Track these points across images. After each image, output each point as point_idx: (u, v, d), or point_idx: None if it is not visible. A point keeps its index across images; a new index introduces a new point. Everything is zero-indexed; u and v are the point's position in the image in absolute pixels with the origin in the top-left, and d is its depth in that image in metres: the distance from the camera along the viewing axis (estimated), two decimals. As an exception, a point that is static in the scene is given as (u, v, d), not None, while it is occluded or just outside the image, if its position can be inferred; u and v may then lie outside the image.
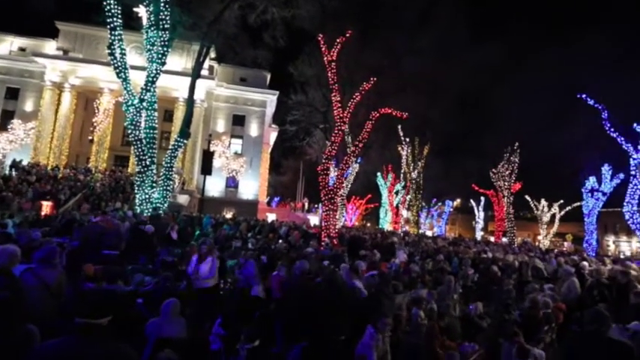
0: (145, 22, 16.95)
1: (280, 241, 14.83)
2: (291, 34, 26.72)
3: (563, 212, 39.40)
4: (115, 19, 15.76)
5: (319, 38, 16.55)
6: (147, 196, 16.84)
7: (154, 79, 16.86)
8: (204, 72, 31.98)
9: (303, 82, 36.66)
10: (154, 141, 17.47)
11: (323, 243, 14.47)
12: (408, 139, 35.05)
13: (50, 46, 35.68)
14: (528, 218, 55.75)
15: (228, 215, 27.97)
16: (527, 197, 39.94)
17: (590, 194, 25.98)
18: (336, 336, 4.27)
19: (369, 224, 53.71)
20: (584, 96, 19.87)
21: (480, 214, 48.08)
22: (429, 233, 45.70)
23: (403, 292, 6.82)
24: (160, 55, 16.71)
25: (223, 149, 36.85)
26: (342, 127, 17.01)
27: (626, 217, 20.18)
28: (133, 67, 19.10)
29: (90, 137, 33.97)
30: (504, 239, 32.67)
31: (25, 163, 28.03)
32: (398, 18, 37.23)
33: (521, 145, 32.18)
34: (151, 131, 17.21)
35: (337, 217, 19.55)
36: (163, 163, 18.30)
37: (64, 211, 18.38)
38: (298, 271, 6.55)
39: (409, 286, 7.56)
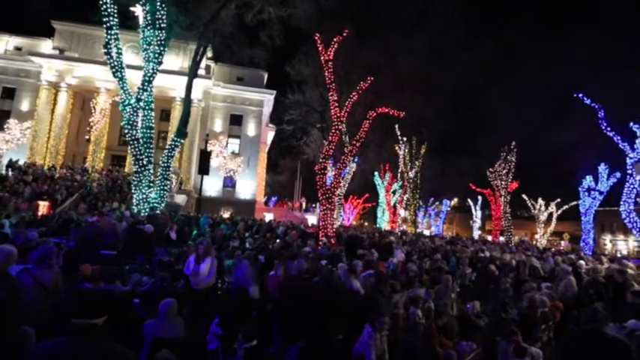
0: (141, 21, 16.89)
1: (278, 240, 14.83)
2: (288, 33, 26.78)
3: (560, 211, 39.61)
4: (111, 18, 15.71)
5: (316, 37, 16.57)
6: (144, 196, 16.80)
7: (151, 78, 16.82)
8: (201, 71, 32.07)
9: (300, 81, 36.72)
10: (151, 140, 17.41)
11: (320, 242, 14.47)
12: (405, 139, 35.05)
13: (46, 46, 35.53)
14: (525, 217, 55.93)
15: (226, 215, 27.94)
16: (525, 196, 40.14)
17: (586, 193, 26.10)
18: (333, 335, 4.28)
19: (366, 224, 53.69)
20: (580, 95, 19.95)
21: (477, 214, 48.22)
22: (426, 232, 45.83)
23: (401, 292, 6.83)
24: (156, 55, 16.66)
25: (221, 149, 36.80)
26: (340, 127, 17.03)
27: (623, 215, 20.27)
28: (130, 67, 19.03)
29: (87, 137, 33.88)
30: (502, 238, 32.75)
31: (21, 163, 27.89)
32: (394, 17, 37.38)
33: (518, 144, 32.30)
34: (148, 131, 17.15)
35: (335, 216, 19.55)
36: (160, 162, 18.25)
37: (61, 211, 18.29)
38: (296, 271, 6.55)
39: (407, 285, 7.57)
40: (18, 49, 35.54)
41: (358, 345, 4.39)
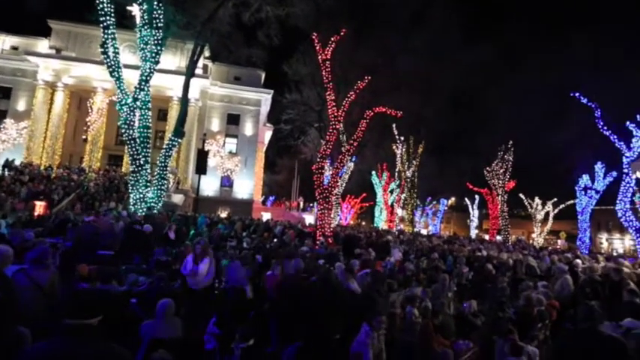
0: (138, 20, 16.84)
1: (275, 240, 14.83)
2: (286, 32, 26.74)
3: (556, 210, 39.74)
4: (108, 17, 15.64)
5: (313, 37, 16.56)
6: (141, 196, 16.76)
7: (148, 77, 16.77)
8: (199, 71, 32.00)
9: (297, 80, 36.62)
10: (148, 140, 17.36)
11: (318, 242, 14.47)
12: (402, 138, 35.05)
13: (43, 45, 35.36)
14: (522, 216, 56.07)
15: (223, 215, 27.94)
16: (522, 195, 40.30)
17: (583, 192, 26.18)
18: (331, 335, 4.28)
19: (364, 223, 53.69)
20: (577, 94, 19.98)
21: (474, 213, 48.26)
22: (423, 232, 45.89)
23: (398, 291, 6.84)
24: (153, 54, 16.63)
25: (218, 148, 36.76)
26: (337, 126, 17.03)
27: (619, 214, 20.31)
28: (127, 66, 19.00)
29: (83, 137, 33.77)
30: (499, 237, 32.80)
31: (17, 162, 27.78)
32: (392, 17, 37.24)
33: (515, 143, 32.34)
34: (145, 130, 17.11)
35: (332, 215, 19.54)
36: (158, 162, 18.20)
37: (58, 211, 18.23)
38: (293, 270, 6.55)
39: (404, 284, 7.59)
40: (14, 48, 35.35)
41: (355, 344, 4.40)
